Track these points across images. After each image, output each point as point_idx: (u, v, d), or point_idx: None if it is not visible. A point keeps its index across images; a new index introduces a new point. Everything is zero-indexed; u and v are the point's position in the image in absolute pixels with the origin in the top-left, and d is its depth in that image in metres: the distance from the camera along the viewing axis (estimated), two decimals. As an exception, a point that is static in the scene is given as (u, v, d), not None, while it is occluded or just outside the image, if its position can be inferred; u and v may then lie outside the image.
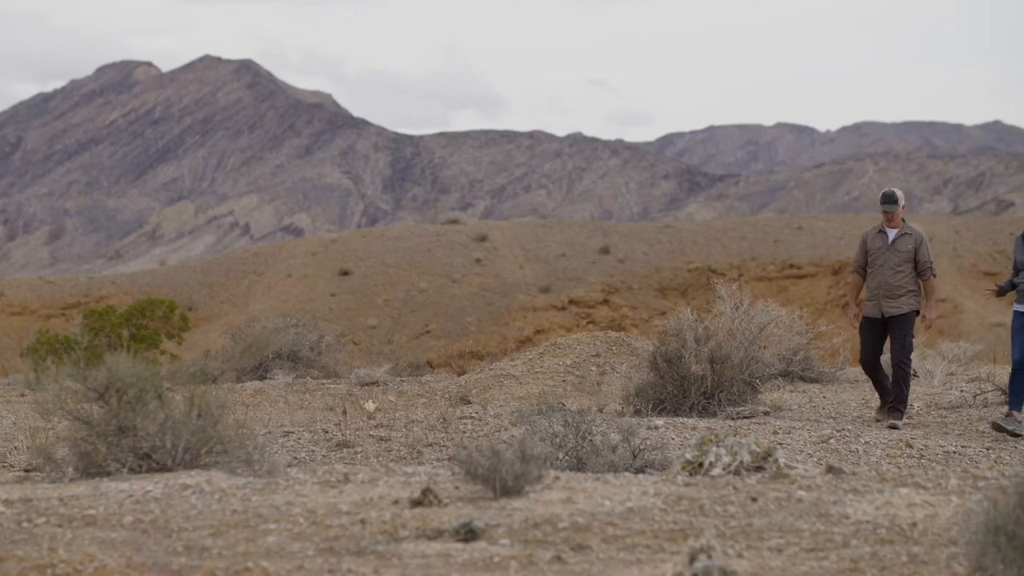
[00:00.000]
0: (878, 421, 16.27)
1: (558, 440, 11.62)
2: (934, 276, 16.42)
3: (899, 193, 16.66)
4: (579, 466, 11.23)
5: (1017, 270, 15.51)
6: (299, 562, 6.92)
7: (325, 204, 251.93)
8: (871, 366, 16.55)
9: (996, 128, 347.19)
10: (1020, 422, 15.21)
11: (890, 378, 16.52)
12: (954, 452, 14.15)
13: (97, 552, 7.09)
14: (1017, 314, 15.46)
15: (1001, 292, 15.75)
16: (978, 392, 18.39)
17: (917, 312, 16.40)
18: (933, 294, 16.50)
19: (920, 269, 16.32)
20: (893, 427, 15.81)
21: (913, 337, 16.56)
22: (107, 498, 8.57)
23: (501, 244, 79.11)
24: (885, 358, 17.14)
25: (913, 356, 22.65)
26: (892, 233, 16.52)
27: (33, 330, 48.56)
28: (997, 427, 15.12)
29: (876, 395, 19.58)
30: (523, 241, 79.63)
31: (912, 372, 21.93)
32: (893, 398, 16.27)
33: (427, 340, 68.90)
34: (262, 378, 23.27)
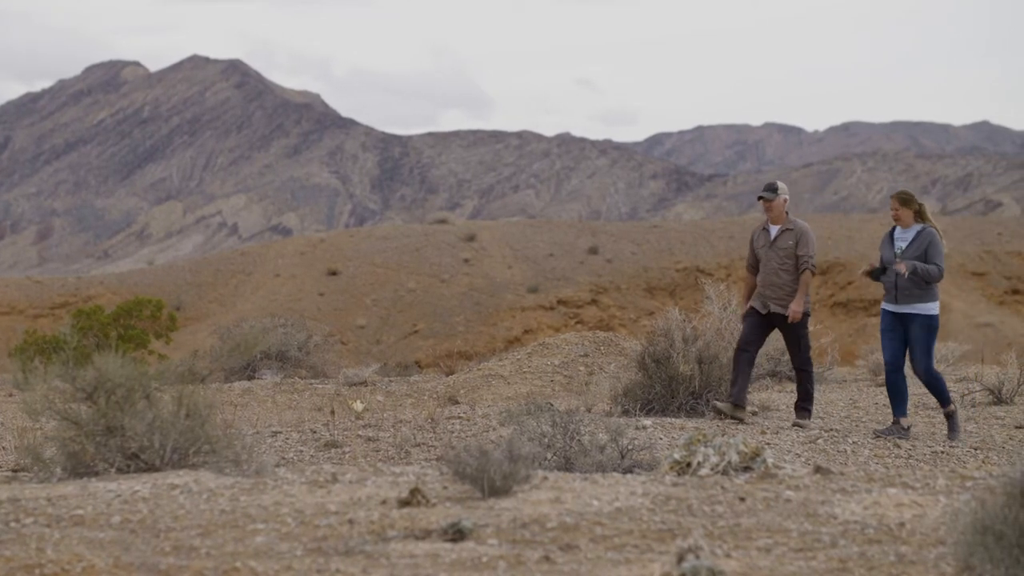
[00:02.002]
0: (720, 414, 15.70)
1: (546, 440, 11.62)
2: (812, 271, 15.81)
3: (781, 185, 16.05)
4: (567, 466, 11.23)
5: (884, 268, 15.06)
6: (287, 562, 6.91)
7: (313, 204, 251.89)
8: (742, 351, 15.92)
9: (984, 128, 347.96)
10: (906, 428, 14.89)
11: (796, 383, 16.23)
12: (942, 452, 14.16)
13: (85, 552, 7.08)
14: (884, 312, 15.10)
15: (873, 276, 15.22)
16: (966, 392, 18.43)
17: (808, 314, 15.84)
18: (805, 287, 15.76)
19: (799, 263, 15.76)
20: (799, 426, 15.40)
21: (808, 334, 15.97)
22: (95, 498, 8.56)
23: (489, 244, 79.09)
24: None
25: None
26: (774, 230, 15.97)
27: (21, 330, 48.45)
28: (878, 434, 14.71)
29: (861, 394, 19.62)
30: (511, 241, 79.63)
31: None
32: (800, 397, 15.90)
33: (415, 340, 68.87)
34: (250, 378, 23.25)
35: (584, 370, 22.29)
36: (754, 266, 16.16)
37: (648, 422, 15.33)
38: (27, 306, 72.69)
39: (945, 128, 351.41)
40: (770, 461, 9.61)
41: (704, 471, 9.55)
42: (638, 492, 8.54)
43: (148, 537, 7.56)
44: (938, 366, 22.17)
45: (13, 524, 7.92)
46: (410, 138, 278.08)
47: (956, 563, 6.57)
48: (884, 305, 15.12)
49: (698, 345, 17.09)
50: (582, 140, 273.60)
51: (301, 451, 14.14)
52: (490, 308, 72.37)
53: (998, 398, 17.97)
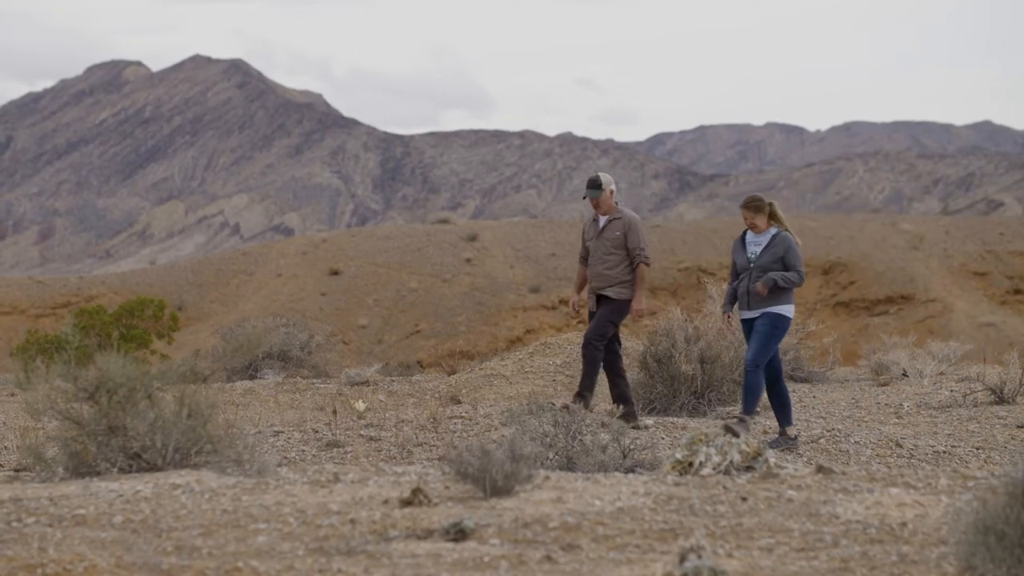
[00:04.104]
0: (565, 407, 14.77)
1: (548, 440, 11.62)
2: (646, 263, 15.34)
3: (605, 178, 15.54)
4: (569, 466, 11.23)
5: (736, 274, 14.43)
6: (289, 562, 6.91)
7: (315, 204, 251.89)
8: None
9: (986, 128, 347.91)
10: (793, 438, 14.11)
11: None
12: (944, 452, 14.16)
13: (87, 552, 7.08)
14: (742, 321, 14.33)
15: (729, 307, 14.52)
16: (968, 392, 18.42)
17: (629, 302, 15.31)
18: (643, 282, 15.30)
19: (631, 256, 15.29)
20: (565, 407, 14.50)
21: (614, 325, 15.33)
22: (97, 498, 8.56)
23: (491, 244, 79.06)
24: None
25: (903, 356, 22.76)
26: (602, 220, 15.50)
27: (23, 330, 48.47)
28: (727, 428, 13.59)
29: (863, 393, 19.63)
30: (513, 241, 79.60)
31: (902, 371, 21.98)
32: (580, 382, 15.36)
33: (417, 340, 68.85)
34: (252, 378, 23.25)
35: (586, 370, 22.27)
36: (585, 258, 15.74)
37: (650, 422, 15.34)
38: (29, 306, 72.68)
39: (947, 128, 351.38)
40: (772, 461, 9.61)
41: (706, 471, 9.55)
42: (640, 492, 8.54)
43: (150, 537, 7.56)
44: (939, 366, 22.21)
45: (15, 524, 7.93)
46: (412, 138, 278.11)
47: (958, 563, 6.57)
48: (740, 312, 14.36)
49: (700, 345, 17.11)
50: (584, 140, 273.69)
51: (303, 451, 14.14)
52: (492, 308, 72.35)
53: (1000, 398, 17.97)
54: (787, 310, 14.14)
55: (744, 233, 14.45)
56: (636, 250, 15.30)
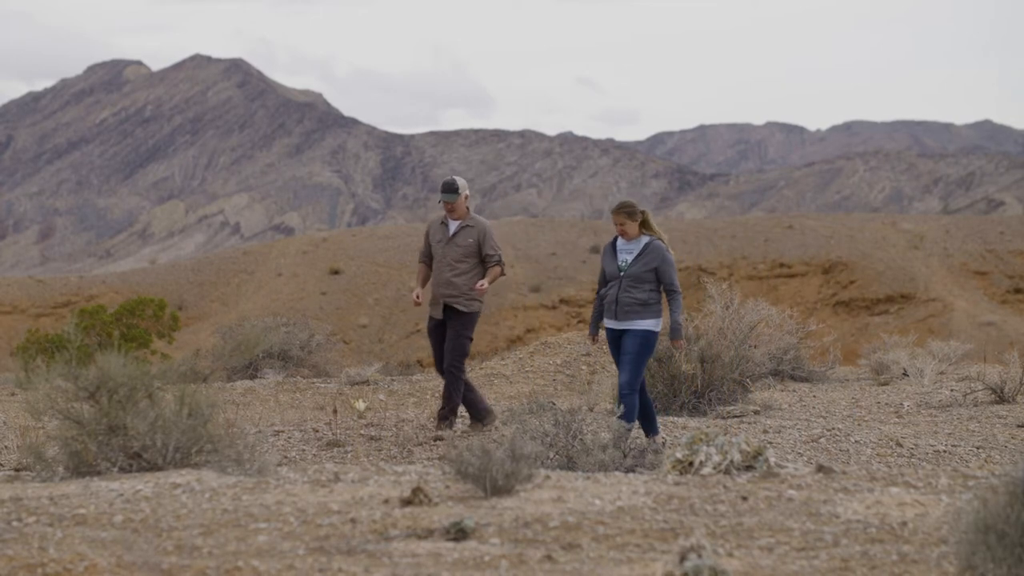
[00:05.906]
0: (437, 438, 14.83)
1: (548, 439, 11.62)
2: (500, 267, 15.16)
3: (461, 182, 15.25)
4: (569, 465, 11.23)
5: (606, 282, 13.98)
6: (289, 561, 6.91)
7: (315, 203, 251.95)
8: (441, 371, 15.36)
9: (986, 127, 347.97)
10: (660, 445, 13.34)
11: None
12: (944, 451, 14.16)
13: (87, 551, 7.08)
14: (607, 330, 13.91)
15: (595, 328, 14.08)
16: (968, 391, 18.42)
17: (477, 314, 15.18)
18: (493, 277, 15.09)
19: (485, 261, 15.11)
20: (438, 438, 14.56)
21: (470, 340, 15.16)
22: (97, 497, 8.56)
23: (492, 243, 79.03)
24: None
25: (903, 355, 22.75)
26: (453, 226, 15.26)
27: (23, 329, 48.49)
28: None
29: (863, 393, 19.63)
30: (513, 240, 79.59)
31: (902, 371, 21.97)
32: (443, 406, 15.18)
33: (417, 339, 68.83)
34: (252, 377, 23.24)
35: (586, 369, 22.29)
36: (428, 258, 15.54)
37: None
38: (29, 305, 72.70)
39: (947, 127, 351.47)
40: (772, 460, 9.61)
41: (706, 470, 9.55)
42: (640, 491, 8.54)
43: (150, 536, 7.56)
44: (940, 365, 22.20)
45: (15, 523, 7.92)
46: (412, 137, 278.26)
47: (958, 562, 6.56)
48: (606, 322, 13.93)
49: (700, 344, 17.09)
50: (584, 139, 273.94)
51: (303, 450, 14.14)
52: (492, 307, 72.37)
53: (1000, 397, 17.97)
54: (655, 324, 13.81)
55: (615, 240, 14.03)
56: (491, 255, 15.14)
